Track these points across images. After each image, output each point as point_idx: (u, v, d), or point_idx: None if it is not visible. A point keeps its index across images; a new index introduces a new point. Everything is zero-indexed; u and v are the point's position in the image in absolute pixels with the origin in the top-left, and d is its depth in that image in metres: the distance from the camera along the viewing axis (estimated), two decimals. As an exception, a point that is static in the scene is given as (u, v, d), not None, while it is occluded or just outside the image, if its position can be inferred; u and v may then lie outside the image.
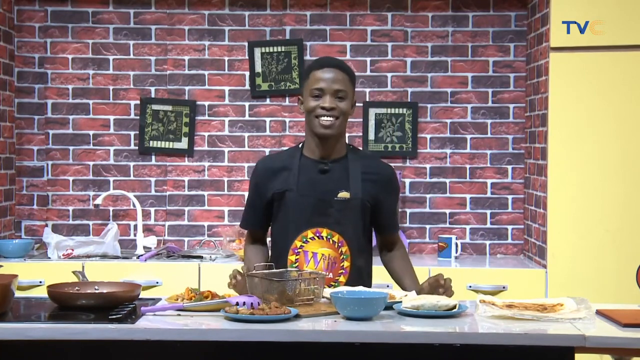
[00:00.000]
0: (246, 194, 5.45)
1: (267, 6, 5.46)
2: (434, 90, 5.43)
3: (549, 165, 4.74)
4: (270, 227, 3.45)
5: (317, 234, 3.28)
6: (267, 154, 5.45)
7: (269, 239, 3.51)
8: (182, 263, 4.95)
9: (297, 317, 2.84)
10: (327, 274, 3.25)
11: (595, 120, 4.68)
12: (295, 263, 3.28)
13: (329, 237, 3.27)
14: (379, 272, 3.56)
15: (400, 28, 5.43)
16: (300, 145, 3.40)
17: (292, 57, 5.41)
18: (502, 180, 5.43)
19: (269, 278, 3.04)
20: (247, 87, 5.47)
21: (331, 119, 3.24)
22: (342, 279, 3.28)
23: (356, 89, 3.59)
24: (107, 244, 5.05)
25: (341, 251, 3.28)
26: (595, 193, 4.68)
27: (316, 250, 3.27)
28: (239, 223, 5.44)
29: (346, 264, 3.29)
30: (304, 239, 3.28)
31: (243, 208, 5.46)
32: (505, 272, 4.86)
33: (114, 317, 2.78)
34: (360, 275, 3.33)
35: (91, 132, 5.48)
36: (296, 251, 3.29)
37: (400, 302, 2.97)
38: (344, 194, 3.29)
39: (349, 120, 3.85)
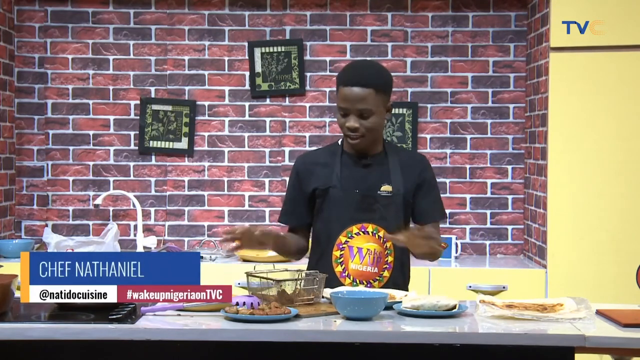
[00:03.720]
0: (246, 194, 5.50)
1: (267, 6, 5.46)
2: (434, 90, 5.43)
3: (549, 165, 4.74)
4: (312, 225, 3.41)
5: (363, 230, 3.27)
6: (266, 153, 5.46)
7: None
8: (182, 263, 4.94)
9: (297, 317, 2.84)
10: (372, 268, 3.26)
11: (595, 120, 4.68)
12: (340, 258, 3.27)
13: (374, 232, 3.27)
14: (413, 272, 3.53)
15: (400, 28, 5.43)
16: (340, 142, 3.38)
17: (292, 57, 5.41)
18: (502, 180, 5.42)
19: (268, 278, 3.04)
20: (247, 87, 5.47)
21: (357, 139, 3.24)
22: (386, 273, 3.28)
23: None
24: (107, 244, 5.04)
25: (386, 246, 3.27)
26: (595, 193, 4.67)
27: (361, 245, 3.26)
28: (238, 223, 5.50)
29: (390, 258, 3.28)
30: (349, 234, 3.27)
31: (245, 208, 5.55)
32: (505, 272, 4.86)
33: (114, 317, 2.78)
34: (403, 270, 3.34)
35: (91, 132, 5.48)
36: (341, 246, 3.27)
37: (400, 302, 2.97)
38: (386, 187, 3.28)
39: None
